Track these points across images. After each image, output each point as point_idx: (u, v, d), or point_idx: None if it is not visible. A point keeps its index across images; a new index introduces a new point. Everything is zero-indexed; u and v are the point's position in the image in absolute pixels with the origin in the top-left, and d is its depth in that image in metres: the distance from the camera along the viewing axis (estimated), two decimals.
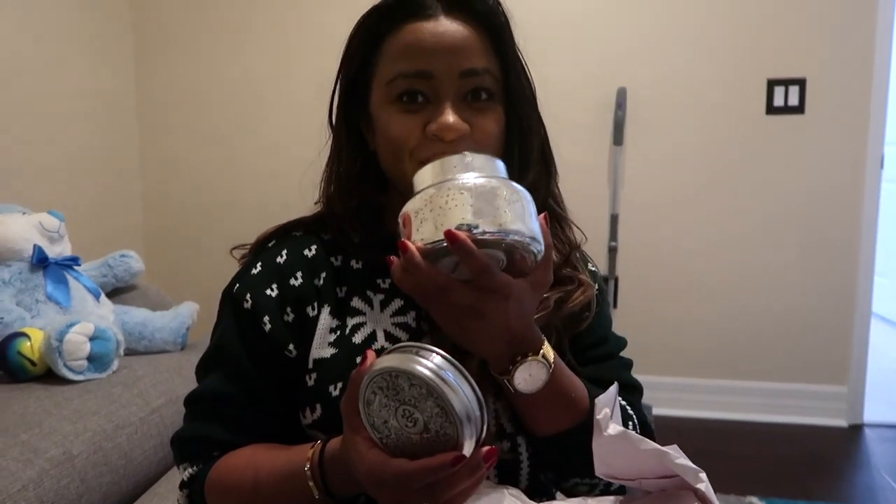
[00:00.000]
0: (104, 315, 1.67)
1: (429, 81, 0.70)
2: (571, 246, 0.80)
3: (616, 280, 2.72)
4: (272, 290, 0.76)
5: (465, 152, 0.63)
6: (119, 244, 2.06)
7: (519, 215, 0.59)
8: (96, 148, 2.73)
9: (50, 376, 1.46)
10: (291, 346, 0.75)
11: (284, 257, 0.78)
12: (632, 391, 0.82)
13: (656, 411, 2.60)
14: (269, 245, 0.80)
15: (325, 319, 0.75)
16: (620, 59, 2.68)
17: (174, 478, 1.29)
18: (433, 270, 0.60)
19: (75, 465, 1.17)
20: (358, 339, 0.75)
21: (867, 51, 2.51)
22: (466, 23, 0.71)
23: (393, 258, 0.63)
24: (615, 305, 2.73)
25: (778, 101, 2.58)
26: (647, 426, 0.81)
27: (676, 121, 2.67)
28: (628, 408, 0.80)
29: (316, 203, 0.83)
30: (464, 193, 0.58)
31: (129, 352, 1.68)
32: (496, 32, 0.73)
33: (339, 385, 0.72)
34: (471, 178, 0.60)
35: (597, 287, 0.82)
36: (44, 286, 1.64)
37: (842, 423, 2.63)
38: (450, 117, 0.69)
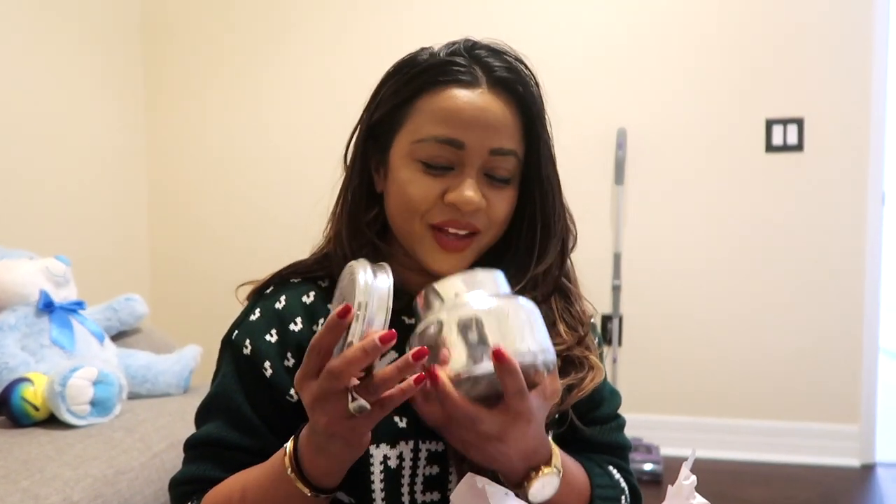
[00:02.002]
0: (108, 359, 1.68)
1: (458, 151, 0.71)
2: (583, 325, 0.79)
3: (620, 319, 2.71)
4: (272, 335, 0.76)
5: (472, 270, 0.65)
6: (124, 288, 2.08)
7: (533, 332, 0.61)
8: (104, 193, 2.77)
9: (52, 421, 1.45)
10: (292, 392, 0.74)
11: (283, 303, 0.78)
12: (623, 452, 0.84)
13: (664, 451, 2.57)
14: (267, 292, 0.80)
15: None
16: (620, 99, 2.72)
17: None
18: (465, 401, 0.59)
19: None
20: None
21: (864, 88, 2.54)
22: (506, 101, 0.72)
23: (409, 386, 0.58)
24: (620, 343, 2.71)
25: (777, 139, 2.61)
26: (636, 491, 0.83)
27: (677, 160, 2.70)
28: (621, 480, 0.81)
29: (324, 233, 0.83)
30: (489, 318, 0.60)
31: (133, 395, 1.68)
32: (531, 117, 0.74)
33: None
34: (493, 302, 0.61)
35: (596, 340, 0.82)
36: (48, 330, 1.65)
37: (854, 462, 2.58)
38: (471, 191, 0.70)
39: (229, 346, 0.78)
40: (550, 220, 0.76)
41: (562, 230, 0.78)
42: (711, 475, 2.50)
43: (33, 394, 1.45)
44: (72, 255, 1.81)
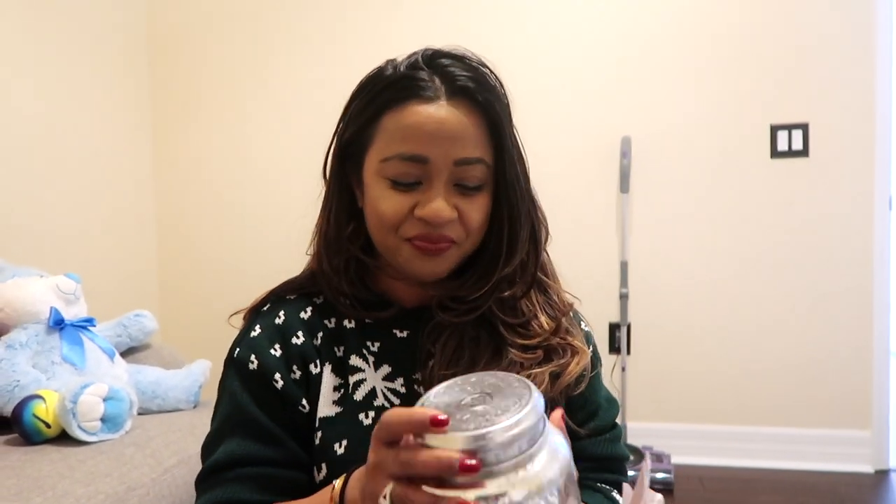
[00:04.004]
0: (118, 375, 1.69)
1: (424, 166, 0.71)
2: (562, 311, 0.80)
3: (629, 327, 2.71)
4: (276, 349, 0.77)
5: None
6: (134, 304, 2.09)
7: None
8: (113, 211, 2.79)
9: (64, 438, 1.46)
10: (304, 402, 0.76)
11: (283, 318, 0.79)
12: (620, 464, 0.85)
13: (675, 459, 2.56)
14: (264, 309, 0.81)
15: (328, 378, 0.77)
16: (624, 108, 2.72)
17: None
18: None
19: None
20: (359, 396, 0.76)
21: (868, 92, 2.54)
22: (467, 111, 0.72)
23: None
24: (629, 352, 2.71)
25: (782, 145, 2.61)
26: None
27: (681, 167, 2.70)
28: (617, 497, 0.83)
29: (308, 250, 0.84)
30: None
31: (143, 411, 1.69)
32: (494, 122, 0.73)
33: (344, 443, 0.73)
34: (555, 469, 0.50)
35: (591, 349, 0.82)
36: (59, 348, 1.66)
37: (867, 468, 2.56)
38: (440, 203, 0.71)
39: (234, 363, 0.77)
40: (517, 225, 0.76)
41: (532, 228, 0.78)
42: (723, 483, 2.48)
43: (45, 411, 1.46)
44: (81, 273, 1.83)
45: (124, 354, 1.87)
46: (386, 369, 0.78)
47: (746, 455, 2.65)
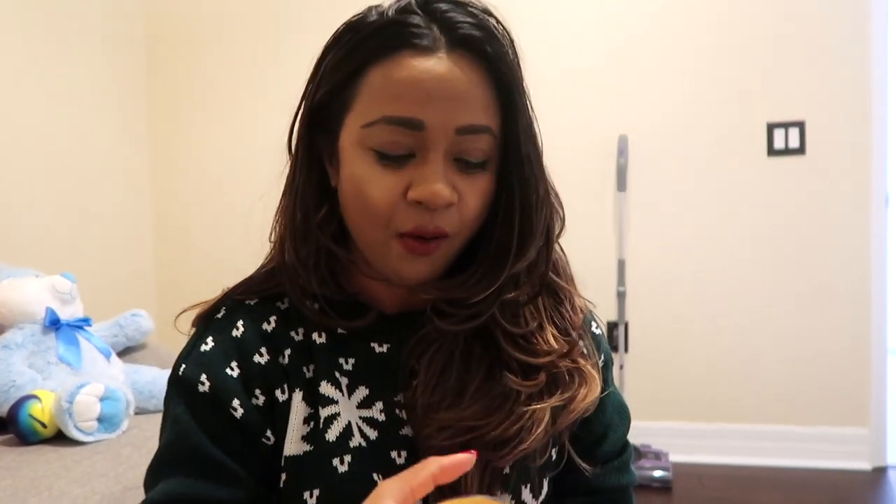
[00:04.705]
0: (114, 375, 1.68)
1: (417, 133, 0.57)
2: (575, 325, 0.67)
3: (626, 325, 2.71)
4: (232, 369, 0.62)
5: None
6: (130, 304, 2.08)
7: None
8: (109, 210, 2.78)
9: (60, 438, 1.46)
10: (269, 433, 0.62)
11: (242, 330, 0.64)
12: (626, 494, 0.73)
13: (673, 458, 2.55)
14: (219, 316, 0.66)
15: (299, 407, 0.63)
16: (620, 107, 2.72)
17: None
18: None
19: None
20: (332, 434, 0.62)
21: (864, 89, 2.54)
22: (472, 66, 0.57)
23: None
24: (626, 350, 2.71)
25: (778, 143, 2.61)
26: None
27: (678, 165, 2.70)
28: None
29: (270, 237, 0.69)
30: None
31: (140, 410, 1.68)
32: (505, 82, 0.59)
33: (315, 493, 0.60)
34: None
35: (602, 359, 0.70)
36: (55, 348, 1.65)
37: (865, 465, 2.56)
38: (440, 182, 0.57)
39: (179, 384, 0.62)
40: (532, 212, 0.61)
41: (546, 218, 0.63)
42: (721, 481, 2.48)
43: (41, 411, 1.46)
44: (77, 273, 1.82)
45: (121, 354, 1.86)
46: (362, 393, 0.64)
47: (745, 453, 2.65)
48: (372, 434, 0.63)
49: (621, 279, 2.69)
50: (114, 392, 1.52)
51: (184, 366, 0.63)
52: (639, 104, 2.71)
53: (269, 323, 0.66)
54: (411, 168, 0.58)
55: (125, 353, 1.91)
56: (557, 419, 0.62)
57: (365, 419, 0.63)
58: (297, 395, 0.63)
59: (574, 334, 0.66)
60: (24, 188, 2.33)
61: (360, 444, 0.62)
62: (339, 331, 0.66)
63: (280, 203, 0.67)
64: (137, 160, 3.00)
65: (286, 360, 0.64)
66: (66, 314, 1.71)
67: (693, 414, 2.70)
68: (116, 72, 2.87)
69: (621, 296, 2.69)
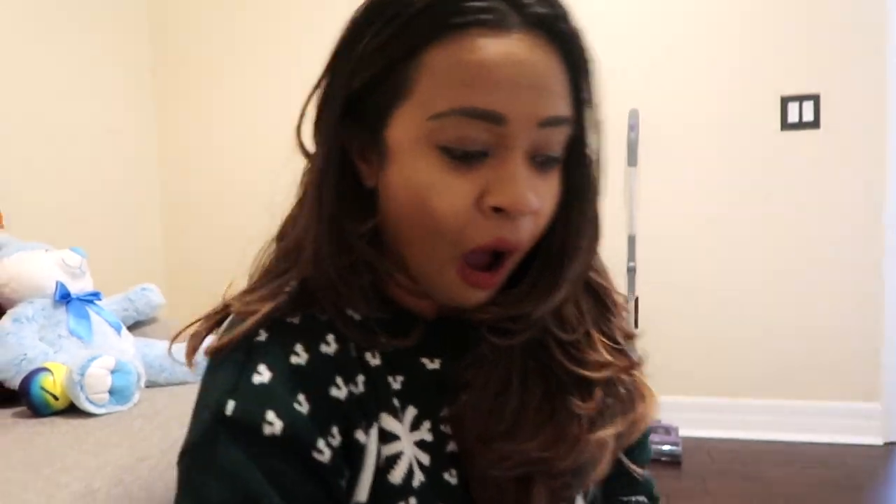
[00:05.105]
0: (125, 349, 1.68)
1: (497, 128, 0.48)
2: (627, 335, 0.61)
3: (636, 300, 2.69)
4: (300, 403, 0.49)
5: None
6: (139, 279, 2.08)
7: None
8: (117, 185, 2.78)
9: (72, 410, 1.46)
10: (343, 482, 0.51)
11: (305, 356, 0.51)
12: (649, 485, 0.72)
13: (683, 432, 2.55)
14: (260, 339, 0.52)
15: (374, 448, 0.52)
16: (631, 80, 2.68)
17: None
18: None
19: (97, 498, 1.16)
20: (396, 476, 0.52)
21: (880, 62, 2.49)
22: (549, 48, 0.49)
23: None
24: (636, 325, 2.69)
25: (792, 116, 2.57)
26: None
27: (689, 140, 2.66)
28: None
29: (272, 245, 0.60)
30: None
31: (150, 384, 1.69)
32: (581, 68, 0.51)
33: None
34: None
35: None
36: (66, 322, 1.66)
37: (877, 440, 2.55)
38: (524, 186, 0.49)
39: (227, 425, 0.47)
40: (594, 213, 0.55)
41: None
42: (732, 455, 2.48)
43: (52, 384, 1.46)
44: (86, 247, 1.82)
45: (131, 329, 1.86)
46: (411, 413, 0.55)
47: (755, 427, 2.64)
48: (425, 459, 0.55)
49: (631, 255, 2.68)
50: (124, 365, 1.52)
51: (232, 402, 0.48)
52: (650, 78, 2.67)
53: (327, 343, 0.53)
54: (485, 170, 0.49)
55: (135, 327, 1.91)
56: (621, 439, 0.57)
57: (417, 443, 0.55)
58: (374, 433, 0.52)
59: (622, 340, 0.60)
60: (32, 163, 2.33)
61: (420, 480, 0.53)
62: (381, 340, 0.56)
63: (301, 205, 0.57)
64: (145, 133, 2.99)
65: (361, 389, 0.53)
66: (75, 289, 1.71)
67: (703, 389, 2.70)
68: (122, 45, 2.85)
69: (631, 271, 2.67)
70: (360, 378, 0.53)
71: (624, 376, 0.58)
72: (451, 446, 0.56)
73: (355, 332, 0.54)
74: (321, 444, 0.49)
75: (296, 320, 0.54)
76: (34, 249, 1.75)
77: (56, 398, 1.46)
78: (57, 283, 1.67)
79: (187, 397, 1.59)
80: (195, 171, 3.06)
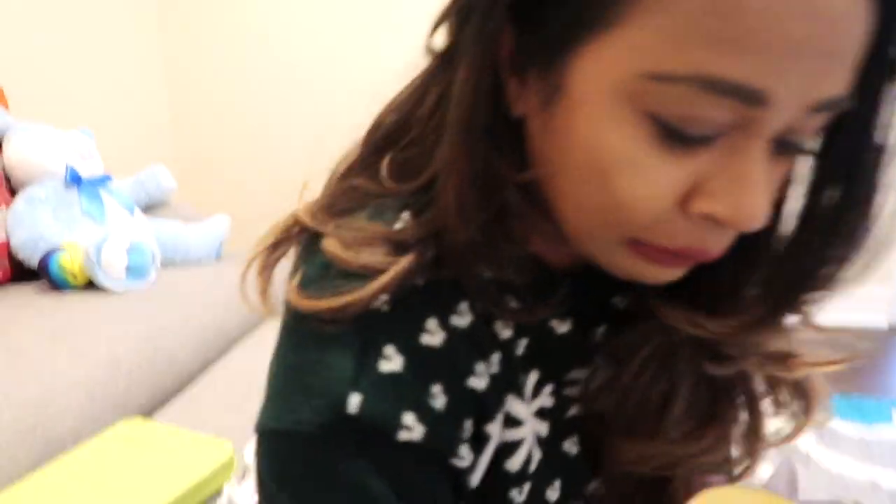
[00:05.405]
0: (139, 229, 1.70)
1: (750, 110, 0.32)
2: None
3: None
4: (434, 397, 0.39)
5: None
6: (147, 161, 2.07)
7: None
8: (123, 66, 2.71)
9: (91, 287, 1.49)
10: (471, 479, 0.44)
11: (441, 335, 0.40)
12: None
13: None
14: (383, 308, 0.39)
15: (497, 434, 0.43)
16: None
17: (211, 376, 1.33)
18: None
19: (121, 367, 1.21)
20: (514, 464, 0.44)
21: None
22: None
23: None
24: None
25: None
26: None
27: None
28: None
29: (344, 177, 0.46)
30: None
31: (166, 263, 1.71)
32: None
33: None
34: None
35: None
36: (79, 203, 1.66)
37: (882, 324, 2.59)
38: (761, 196, 0.34)
39: (352, 428, 0.37)
40: (868, 221, 0.40)
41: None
42: None
43: (70, 262, 1.48)
44: (92, 129, 1.80)
45: (142, 212, 1.87)
46: (532, 379, 0.45)
47: None
48: (543, 429, 0.46)
49: None
50: (139, 244, 1.54)
51: (358, 397, 0.37)
52: None
53: (459, 315, 0.41)
54: (707, 157, 0.34)
55: (146, 211, 1.92)
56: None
57: (536, 413, 0.46)
58: (500, 418, 0.43)
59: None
60: (35, 41, 2.26)
61: (538, 460, 0.45)
62: (512, 305, 0.43)
63: (427, 130, 0.42)
64: (146, 13, 2.88)
65: (496, 370, 0.43)
66: (85, 171, 1.71)
67: None
68: None
69: None
70: (496, 357, 0.43)
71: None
72: (573, 411, 0.48)
73: (493, 296, 0.42)
74: (463, 450, 0.40)
75: (420, 281, 0.40)
76: (42, 131, 1.73)
77: (74, 276, 1.49)
78: (67, 166, 1.66)
79: (203, 276, 1.63)
80: (202, 56, 2.96)
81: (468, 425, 0.41)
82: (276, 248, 0.46)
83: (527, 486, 0.45)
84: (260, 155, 2.73)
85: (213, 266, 1.72)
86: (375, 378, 0.38)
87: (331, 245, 0.40)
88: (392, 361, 0.38)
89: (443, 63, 0.41)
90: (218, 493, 0.89)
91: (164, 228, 1.78)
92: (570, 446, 0.47)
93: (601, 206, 0.37)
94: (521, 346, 0.45)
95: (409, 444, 0.38)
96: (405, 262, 0.39)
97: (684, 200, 0.36)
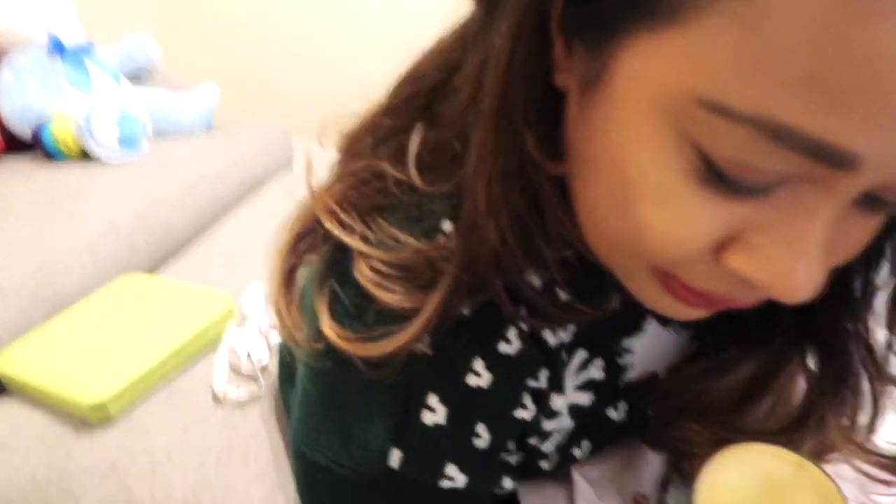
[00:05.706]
0: (127, 98, 1.69)
1: (830, 172, 0.25)
2: None
3: None
4: (479, 436, 0.38)
5: None
6: (129, 28, 2.01)
7: None
8: None
9: (85, 158, 1.51)
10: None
11: (488, 376, 0.37)
12: None
13: None
14: (424, 351, 0.37)
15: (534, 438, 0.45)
16: None
17: (209, 240, 1.38)
18: None
19: (119, 234, 1.25)
20: (549, 462, 0.45)
21: None
22: None
23: None
24: None
25: None
26: None
27: None
28: None
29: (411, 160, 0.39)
30: None
31: (157, 132, 1.70)
32: None
33: None
34: None
35: None
36: (64, 72, 1.64)
37: None
38: (809, 271, 0.28)
39: (393, 479, 0.38)
40: None
41: None
42: None
43: (62, 132, 1.49)
44: None
45: (130, 81, 1.85)
46: (579, 359, 0.43)
47: None
48: (585, 399, 0.44)
49: None
50: (128, 113, 1.54)
51: (399, 454, 0.37)
52: None
53: (507, 342, 0.39)
54: (756, 205, 0.28)
55: (132, 80, 1.89)
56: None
57: (579, 386, 0.43)
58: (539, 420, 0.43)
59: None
60: None
61: (567, 430, 0.45)
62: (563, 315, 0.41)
63: (469, 95, 0.35)
64: None
65: (543, 385, 0.41)
66: (66, 38, 1.67)
67: None
68: None
69: None
70: (544, 374, 0.40)
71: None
72: (625, 377, 0.46)
73: (546, 309, 0.38)
74: (507, 482, 0.40)
75: (466, 311, 0.37)
76: None
77: (68, 146, 1.50)
78: (49, 34, 1.62)
79: (196, 146, 1.63)
80: None
81: (511, 446, 0.41)
82: (300, 239, 0.42)
83: (550, 447, 0.44)
84: (249, 25, 2.64)
85: (204, 137, 1.72)
86: (418, 432, 0.37)
87: (363, 275, 0.36)
88: (436, 413, 0.37)
89: (487, 10, 0.33)
90: (218, 339, 0.95)
91: (153, 98, 1.76)
92: (614, 412, 0.46)
93: (622, 229, 0.31)
94: (569, 332, 0.42)
95: (451, 491, 0.38)
96: (442, 291, 0.35)
97: (717, 247, 0.29)
